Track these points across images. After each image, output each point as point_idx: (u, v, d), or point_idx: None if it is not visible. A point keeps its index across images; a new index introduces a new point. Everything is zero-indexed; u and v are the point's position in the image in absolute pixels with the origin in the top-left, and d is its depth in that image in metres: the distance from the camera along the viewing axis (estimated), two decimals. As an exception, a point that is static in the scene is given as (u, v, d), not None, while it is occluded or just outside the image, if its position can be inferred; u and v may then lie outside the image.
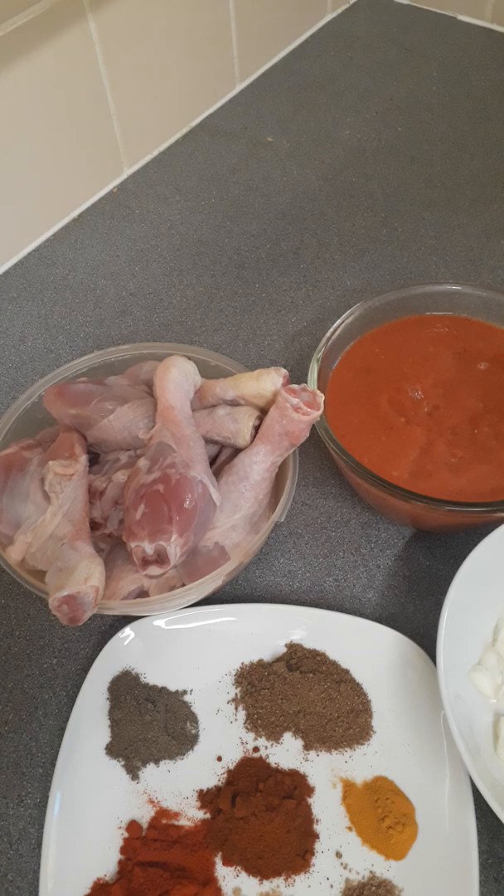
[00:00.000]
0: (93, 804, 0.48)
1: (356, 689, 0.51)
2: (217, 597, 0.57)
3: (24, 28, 0.68)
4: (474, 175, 0.84)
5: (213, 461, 0.55)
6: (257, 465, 0.51)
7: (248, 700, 0.51)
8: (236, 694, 0.52)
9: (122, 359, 0.60)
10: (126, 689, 0.51)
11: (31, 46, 0.70)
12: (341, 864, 0.46)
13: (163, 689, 0.52)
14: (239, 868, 0.46)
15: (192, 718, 0.51)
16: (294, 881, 0.45)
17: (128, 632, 0.52)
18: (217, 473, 0.53)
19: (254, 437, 0.52)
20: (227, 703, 0.52)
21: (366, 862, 0.46)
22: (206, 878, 0.45)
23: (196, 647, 0.53)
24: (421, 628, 0.53)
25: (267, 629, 0.53)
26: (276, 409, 0.50)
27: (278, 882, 0.45)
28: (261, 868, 0.45)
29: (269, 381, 0.51)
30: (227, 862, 0.46)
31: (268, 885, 0.45)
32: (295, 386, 0.50)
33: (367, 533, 0.60)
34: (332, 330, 0.58)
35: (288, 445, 0.51)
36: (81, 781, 0.48)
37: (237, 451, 0.54)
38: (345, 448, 0.52)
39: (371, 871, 0.45)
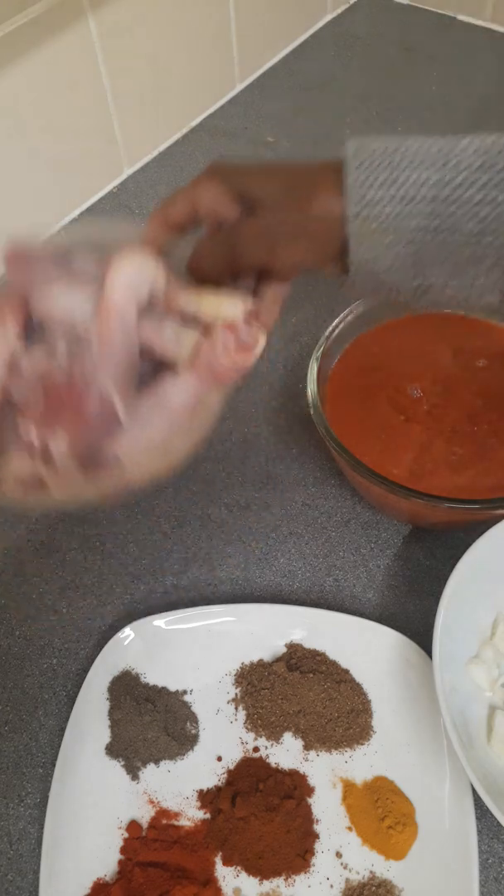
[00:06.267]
0: (93, 804, 0.48)
1: (356, 689, 0.51)
2: (217, 597, 0.56)
3: (24, 28, 0.68)
4: (474, 174, 0.84)
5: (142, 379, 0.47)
6: (178, 396, 0.45)
7: (248, 700, 0.51)
8: (236, 694, 0.52)
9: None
10: (126, 689, 0.51)
11: (31, 46, 0.70)
12: (341, 864, 0.46)
13: (163, 690, 0.52)
14: (239, 868, 0.46)
15: (192, 718, 0.51)
16: (294, 881, 0.45)
17: (128, 632, 0.52)
18: (140, 393, 0.46)
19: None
20: (227, 703, 0.51)
21: (366, 862, 0.45)
22: (206, 879, 0.45)
23: (196, 647, 0.53)
24: (421, 628, 0.53)
25: (267, 629, 0.53)
26: (208, 342, 0.44)
27: (278, 882, 0.45)
28: (261, 868, 0.45)
29: (229, 307, 0.45)
30: (227, 862, 0.46)
31: (268, 885, 0.45)
32: (242, 323, 0.44)
33: (367, 533, 0.59)
34: (331, 328, 0.58)
35: (215, 384, 0.45)
36: (81, 781, 0.48)
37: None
38: (345, 446, 0.52)
39: (371, 871, 0.45)
